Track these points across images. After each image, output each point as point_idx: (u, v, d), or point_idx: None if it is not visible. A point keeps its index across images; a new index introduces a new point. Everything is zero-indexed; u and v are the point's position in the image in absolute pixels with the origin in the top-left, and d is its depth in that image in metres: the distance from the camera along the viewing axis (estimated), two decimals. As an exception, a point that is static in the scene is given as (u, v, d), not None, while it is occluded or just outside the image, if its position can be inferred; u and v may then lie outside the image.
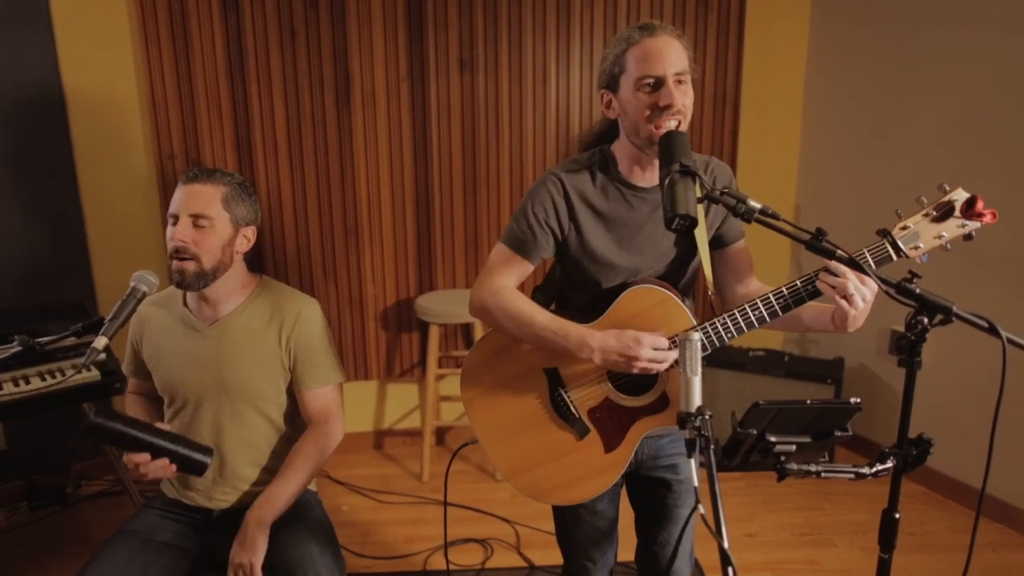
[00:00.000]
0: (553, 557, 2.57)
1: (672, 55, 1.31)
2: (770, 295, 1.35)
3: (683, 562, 1.68)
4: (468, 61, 3.03)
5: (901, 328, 3.03)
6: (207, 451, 1.50)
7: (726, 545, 1.02)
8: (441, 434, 3.48)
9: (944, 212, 1.25)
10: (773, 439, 1.10)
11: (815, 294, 1.32)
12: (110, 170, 2.95)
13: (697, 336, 1.15)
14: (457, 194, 3.16)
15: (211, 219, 1.57)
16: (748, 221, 1.15)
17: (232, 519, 1.61)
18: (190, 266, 1.56)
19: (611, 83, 1.38)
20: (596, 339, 1.37)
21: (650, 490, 1.63)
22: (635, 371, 1.37)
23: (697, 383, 1.14)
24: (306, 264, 3.15)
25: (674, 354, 1.38)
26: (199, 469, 1.49)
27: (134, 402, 1.82)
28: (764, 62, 3.25)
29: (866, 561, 2.52)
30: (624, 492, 1.71)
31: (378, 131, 3.05)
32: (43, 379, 2.33)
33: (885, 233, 1.27)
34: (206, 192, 1.58)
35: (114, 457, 2.66)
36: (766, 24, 3.22)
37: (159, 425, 1.52)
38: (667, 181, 1.16)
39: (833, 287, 1.25)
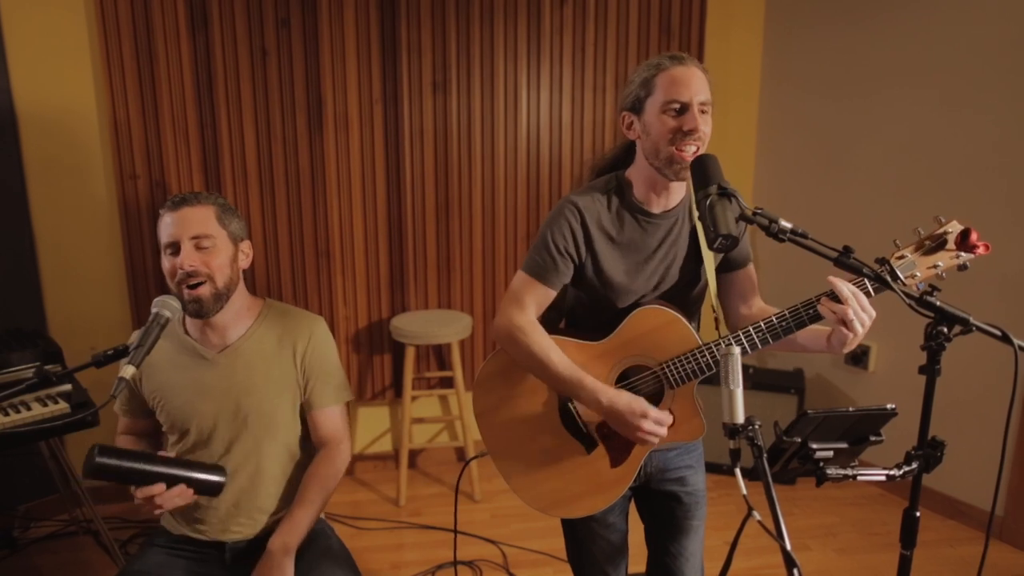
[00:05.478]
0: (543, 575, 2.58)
1: (698, 84, 1.38)
2: (772, 318, 1.42)
3: (695, 572, 1.73)
4: (441, 84, 3.05)
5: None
6: (220, 470, 1.46)
7: (788, 547, 1.08)
8: (413, 457, 3.45)
9: (939, 243, 1.33)
10: (814, 446, 1.16)
11: (816, 318, 1.38)
12: (64, 193, 2.81)
13: (737, 350, 1.21)
14: (430, 216, 3.16)
15: (213, 237, 1.52)
16: (781, 240, 1.22)
17: (249, 554, 1.56)
18: (206, 291, 1.51)
19: (635, 105, 1.44)
20: (606, 399, 1.42)
21: (660, 504, 1.67)
22: (629, 437, 1.44)
23: (739, 395, 1.19)
24: (276, 287, 3.08)
25: (664, 430, 1.43)
26: (216, 490, 1.45)
27: (127, 443, 1.71)
28: (721, 87, 3.41)
29: (840, 562, 2.64)
30: (632, 505, 1.75)
31: (351, 154, 3.03)
32: (5, 414, 2.19)
33: (883, 262, 1.35)
34: (199, 213, 1.52)
35: (76, 495, 2.51)
36: (723, 51, 3.38)
37: (161, 453, 1.47)
38: (707, 203, 1.22)
39: (834, 312, 1.31)
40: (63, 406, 2.25)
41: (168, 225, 1.52)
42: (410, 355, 3.03)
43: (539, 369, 1.47)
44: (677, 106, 1.38)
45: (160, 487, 1.39)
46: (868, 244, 2.99)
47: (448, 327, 2.99)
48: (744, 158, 3.57)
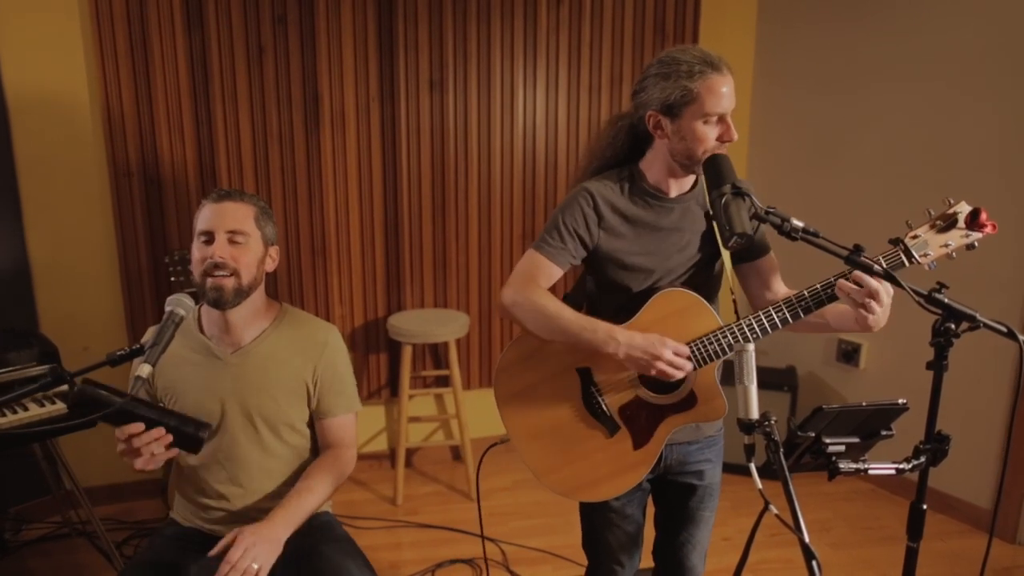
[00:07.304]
0: (543, 573, 2.59)
1: (733, 92, 1.44)
2: (792, 298, 1.44)
3: (700, 559, 1.75)
4: (438, 82, 3.05)
5: (846, 338, 3.24)
6: (203, 426, 1.45)
7: (807, 539, 1.10)
8: (409, 456, 3.44)
9: (949, 223, 1.36)
10: (827, 441, 1.18)
11: (833, 297, 1.42)
12: (57, 190, 2.77)
13: (751, 346, 1.23)
14: (426, 215, 3.17)
15: (247, 235, 1.56)
16: (793, 239, 1.24)
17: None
18: (230, 282, 1.52)
19: (669, 109, 1.43)
20: (623, 335, 1.45)
21: (675, 492, 1.70)
22: (653, 373, 1.44)
23: (753, 391, 1.21)
24: (271, 286, 3.07)
25: (691, 364, 1.46)
26: (195, 442, 1.44)
27: None
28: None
29: (835, 557, 2.68)
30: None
31: (347, 152, 3.03)
32: (2, 414, 2.17)
33: (898, 241, 1.38)
34: (240, 210, 1.56)
35: (71, 497, 2.48)
36: (716, 49, 3.35)
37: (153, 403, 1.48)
38: (722, 201, 1.24)
39: (847, 293, 1.35)
40: (60, 407, 2.22)
41: (208, 214, 1.55)
42: (407, 354, 3.02)
43: (551, 324, 1.49)
44: (717, 117, 1.42)
45: (139, 426, 1.38)
46: (861, 240, 3.05)
47: (445, 326, 2.99)
48: (736, 156, 3.58)
